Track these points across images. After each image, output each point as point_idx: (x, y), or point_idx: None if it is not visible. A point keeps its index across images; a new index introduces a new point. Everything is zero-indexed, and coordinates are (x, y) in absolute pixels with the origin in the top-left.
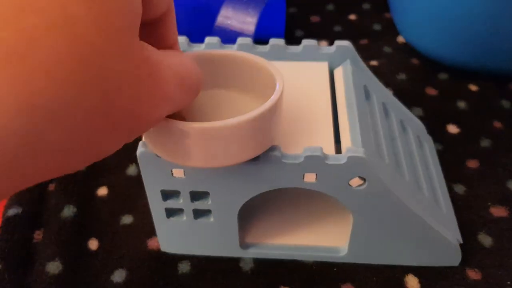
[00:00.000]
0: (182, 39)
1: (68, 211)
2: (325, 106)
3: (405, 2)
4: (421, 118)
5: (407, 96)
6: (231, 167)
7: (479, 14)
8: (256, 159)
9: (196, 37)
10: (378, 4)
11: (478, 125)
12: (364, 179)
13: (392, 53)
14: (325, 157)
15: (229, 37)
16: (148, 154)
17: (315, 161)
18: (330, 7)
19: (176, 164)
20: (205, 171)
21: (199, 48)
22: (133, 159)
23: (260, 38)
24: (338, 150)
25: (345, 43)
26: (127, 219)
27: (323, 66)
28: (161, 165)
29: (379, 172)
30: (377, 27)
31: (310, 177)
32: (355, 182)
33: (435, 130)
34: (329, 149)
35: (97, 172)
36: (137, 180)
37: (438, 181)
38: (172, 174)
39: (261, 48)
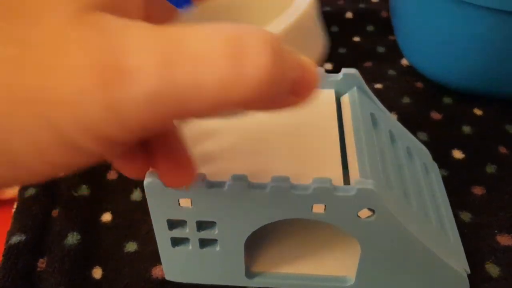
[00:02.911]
0: None
1: (72, 238)
2: (333, 135)
3: (409, 25)
4: (426, 143)
5: (412, 120)
6: (238, 196)
7: (485, 39)
8: (264, 189)
9: None
10: (383, 26)
11: (484, 150)
12: (373, 211)
13: (397, 76)
14: (334, 188)
15: None
16: (156, 184)
17: (324, 193)
18: (335, 28)
19: (183, 194)
20: (212, 201)
21: None
22: (138, 184)
23: None
24: (346, 180)
25: (352, 70)
26: (131, 247)
27: (330, 94)
28: (168, 195)
29: (388, 203)
30: (381, 49)
31: (318, 208)
32: (364, 213)
33: (440, 155)
34: (337, 179)
35: (101, 197)
36: (141, 205)
37: (444, 209)
38: (179, 204)
39: None
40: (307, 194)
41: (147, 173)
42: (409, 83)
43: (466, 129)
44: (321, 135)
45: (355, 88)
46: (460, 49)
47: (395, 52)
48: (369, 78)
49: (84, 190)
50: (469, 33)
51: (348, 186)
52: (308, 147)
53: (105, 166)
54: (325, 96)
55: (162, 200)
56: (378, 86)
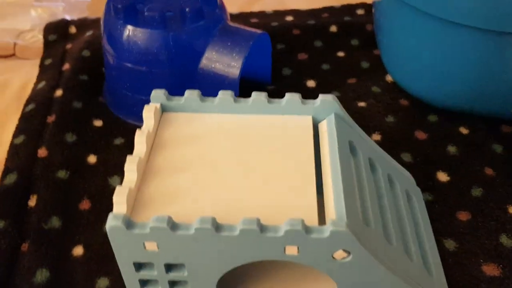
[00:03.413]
0: (161, 93)
1: (41, 275)
2: (309, 165)
3: (394, 42)
4: (410, 165)
5: (396, 140)
6: (206, 239)
7: (471, 57)
8: (233, 231)
9: (179, 81)
10: (367, 40)
11: (469, 172)
12: (348, 252)
13: (381, 93)
14: (307, 230)
15: (213, 80)
16: (119, 228)
17: (296, 235)
18: (318, 43)
19: (148, 237)
20: (179, 243)
21: (179, 102)
22: None
23: (247, 79)
24: (321, 213)
25: (329, 97)
26: (103, 282)
27: (307, 120)
28: (133, 238)
29: (365, 243)
30: (365, 64)
31: (291, 250)
32: (339, 254)
33: (424, 178)
34: (311, 217)
35: (73, 229)
36: None
37: (427, 239)
38: (145, 247)
39: (243, 102)
40: (278, 237)
41: (110, 216)
42: (393, 101)
43: (452, 149)
44: (296, 165)
45: (332, 116)
46: (446, 68)
47: (379, 67)
48: (353, 96)
49: (55, 222)
50: (455, 52)
51: (321, 227)
52: (282, 179)
53: (78, 195)
54: (301, 123)
55: (126, 243)
56: (362, 104)
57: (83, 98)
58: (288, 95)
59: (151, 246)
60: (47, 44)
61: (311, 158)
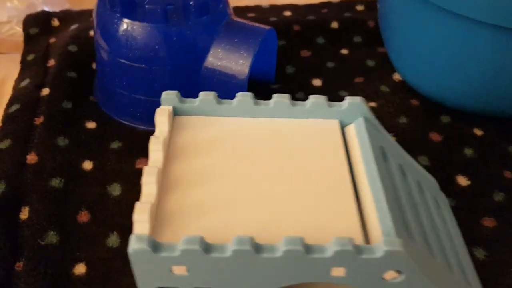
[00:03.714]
0: (173, 94)
1: None
2: (343, 175)
3: (403, 40)
4: (428, 168)
5: (411, 143)
6: (244, 261)
7: (487, 56)
8: (274, 253)
9: (180, 80)
10: (370, 37)
11: (489, 176)
12: (399, 272)
13: (390, 93)
14: (357, 251)
15: (219, 79)
16: (143, 251)
17: (345, 256)
18: (320, 40)
19: (177, 260)
20: (212, 266)
21: (193, 104)
22: (114, 226)
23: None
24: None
25: (357, 99)
26: None
27: (334, 124)
28: (159, 262)
29: (417, 262)
30: (371, 63)
31: (338, 272)
32: (390, 275)
33: (444, 182)
34: (355, 235)
35: (72, 244)
36: (120, 252)
37: (460, 249)
38: (172, 271)
39: (264, 105)
40: (326, 258)
41: (132, 238)
42: (403, 101)
43: (468, 151)
44: (329, 174)
45: (361, 119)
46: (459, 66)
47: (386, 66)
48: (362, 95)
49: (52, 238)
50: (469, 49)
51: (373, 246)
52: (316, 191)
53: (75, 206)
54: (328, 127)
55: (151, 268)
56: (372, 104)
57: (72, 97)
58: (312, 97)
59: (179, 270)
60: (28, 38)
61: (344, 166)
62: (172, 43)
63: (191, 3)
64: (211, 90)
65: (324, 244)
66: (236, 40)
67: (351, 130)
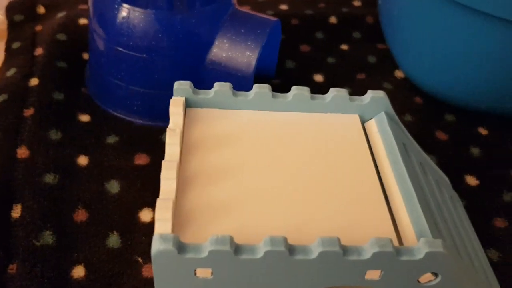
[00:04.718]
0: (186, 85)
1: None
2: (369, 172)
3: (407, 36)
4: None
5: (418, 142)
6: (276, 263)
7: (492, 52)
8: (309, 253)
9: (182, 70)
10: (370, 33)
11: (496, 175)
12: (436, 274)
13: (393, 90)
14: (397, 252)
15: (223, 71)
16: (169, 252)
17: (385, 257)
18: (319, 35)
19: (203, 262)
20: (241, 269)
21: (207, 96)
22: (113, 226)
23: None
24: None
25: (380, 93)
26: None
27: (355, 119)
28: (184, 264)
29: (453, 263)
30: (372, 59)
31: (373, 274)
32: (426, 278)
33: (454, 182)
34: (389, 235)
35: (69, 245)
36: (121, 254)
37: (479, 250)
38: (195, 273)
39: (282, 98)
40: (363, 260)
41: (156, 238)
42: (407, 99)
43: (475, 151)
44: (355, 171)
45: (383, 113)
46: (465, 63)
47: (387, 62)
48: (365, 92)
49: (48, 238)
50: (476, 45)
51: (413, 247)
52: (343, 188)
53: (71, 204)
54: (349, 122)
55: (174, 270)
56: None
57: (63, 88)
58: (333, 91)
59: (204, 272)
60: (12, 25)
61: (370, 163)
62: (176, 32)
63: None
64: (215, 82)
65: (362, 245)
66: (242, 30)
67: (372, 125)
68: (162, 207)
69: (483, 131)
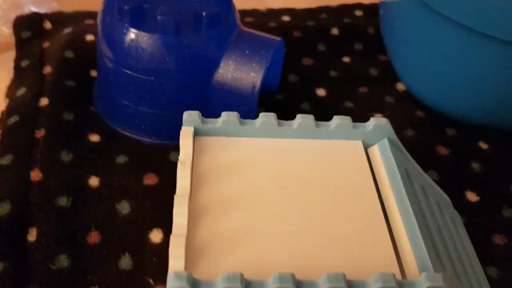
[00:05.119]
0: (195, 115)
1: None
2: (372, 201)
3: (408, 50)
4: (438, 183)
5: (419, 156)
6: None
7: (491, 69)
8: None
9: (189, 93)
10: (371, 44)
11: (497, 191)
12: None
13: (395, 104)
14: (400, 287)
15: (229, 92)
16: None
17: None
18: (322, 47)
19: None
20: None
21: (215, 125)
22: (125, 247)
23: None
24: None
25: (383, 120)
26: None
27: (358, 146)
28: None
29: None
30: (373, 72)
31: None
32: None
33: (454, 198)
34: (392, 268)
35: (83, 267)
36: (133, 276)
37: (478, 270)
38: None
39: (287, 125)
40: None
41: (170, 276)
42: (409, 112)
43: (476, 166)
44: (358, 200)
45: (385, 140)
46: (466, 79)
47: (388, 75)
48: (367, 106)
49: (63, 261)
50: (476, 62)
51: (415, 281)
52: (350, 219)
53: (84, 226)
54: (352, 149)
55: None
56: (379, 116)
57: (73, 107)
58: (337, 118)
59: None
60: (20, 42)
61: (373, 192)
62: (183, 56)
63: (203, 14)
64: (221, 103)
65: (366, 279)
66: (247, 52)
67: (375, 151)
68: (175, 245)
69: (483, 146)
